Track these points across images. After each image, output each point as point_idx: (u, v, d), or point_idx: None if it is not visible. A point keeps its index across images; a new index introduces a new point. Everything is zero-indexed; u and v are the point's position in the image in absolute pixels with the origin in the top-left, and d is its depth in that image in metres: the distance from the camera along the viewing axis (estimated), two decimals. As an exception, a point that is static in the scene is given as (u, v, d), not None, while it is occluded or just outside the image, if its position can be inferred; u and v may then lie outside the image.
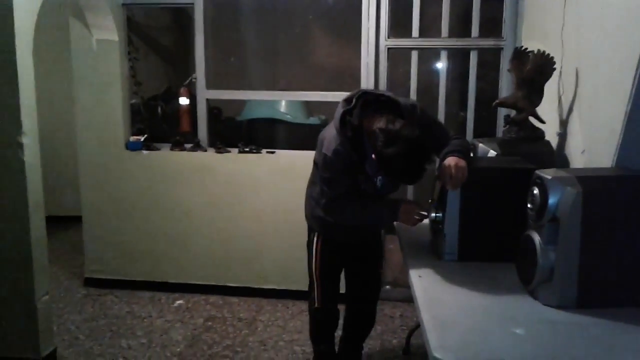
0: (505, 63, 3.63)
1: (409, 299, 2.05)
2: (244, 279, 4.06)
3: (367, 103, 2.24)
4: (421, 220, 2.29)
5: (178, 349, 3.34)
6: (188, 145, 4.07)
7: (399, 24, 3.89)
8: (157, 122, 4.49)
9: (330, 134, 2.31)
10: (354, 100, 2.26)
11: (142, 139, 4.10)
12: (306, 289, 2.77)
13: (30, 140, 2.94)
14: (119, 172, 4.09)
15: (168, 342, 3.43)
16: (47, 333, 3.14)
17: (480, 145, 2.79)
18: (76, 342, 3.43)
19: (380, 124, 2.09)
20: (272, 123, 4.48)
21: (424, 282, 1.97)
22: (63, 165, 5.38)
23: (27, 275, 3.01)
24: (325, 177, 2.34)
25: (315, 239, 2.63)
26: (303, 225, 2.75)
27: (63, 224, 5.29)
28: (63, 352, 3.30)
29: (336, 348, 2.85)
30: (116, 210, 4.13)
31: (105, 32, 3.96)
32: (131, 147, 4.07)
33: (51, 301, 3.21)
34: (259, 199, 3.96)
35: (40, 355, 3.09)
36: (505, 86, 3.66)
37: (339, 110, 2.29)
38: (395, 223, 2.52)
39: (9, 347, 3.08)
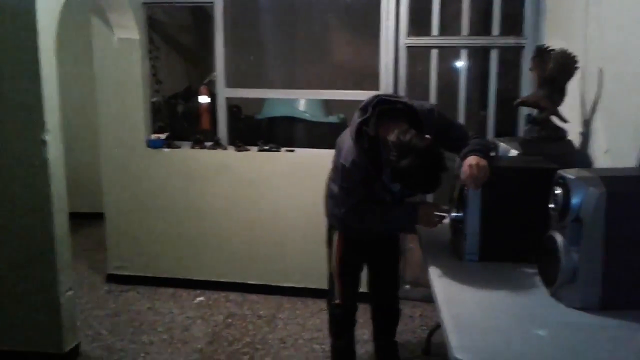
0: (526, 61, 3.60)
1: (429, 299, 2.05)
2: (263, 277, 4.09)
3: (383, 111, 2.23)
4: (441, 221, 2.29)
5: (199, 346, 3.37)
6: (208, 144, 4.11)
7: (419, 22, 3.87)
8: (177, 120, 4.53)
9: (347, 143, 2.32)
10: (369, 109, 2.26)
11: (163, 137, 4.14)
12: (325, 287, 2.80)
13: (53, 137, 2.99)
14: (140, 169, 4.14)
15: (189, 338, 3.47)
16: (70, 328, 3.19)
17: (502, 144, 2.77)
18: (99, 338, 3.49)
19: (392, 136, 2.09)
20: (291, 121, 4.49)
21: (445, 282, 1.97)
22: (85, 163, 5.45)
23: (51, 270, 3.06)
24: (344, 186, 2.37)
25: (335, 236, 2.65)
26: (322, 224, 2.76)
27: (85, 220, 5.36)
28: (86, 347, 3.35)
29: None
30: (138, 208, 4.18)
31: (127, 30, 4.00)
32: (152, 145, 4.12)
33: (74, 297, 3.26)
34: (279, 197, 3.99)
35: (64, 349, 3.14)
36: (527, 85, 3.63)
37: (355, 120, 2.29)
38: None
39: (33, 341, 3.14)
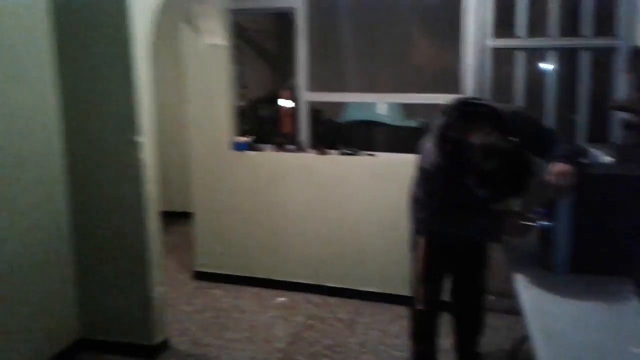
0: (619, 63, 3.43)
1: (515, 311, 2.01)
2: (343, 280, 4.11)
3: (465, 114, 2.20)
4: (528, 230, 2.23)
5: (281, 345, 3.45)
6: (290, 147, 4.20)
7: (504, 23, 3.77)
8: (260, 123, 4.65)
9: (430, 147, 2.30)
10: (452, 112, 2.24)
11: (248, 139, 4.27)
12: (405, 293, 2.79)
13: (147, 139, 3.14)
14: (226, 171, 4.28)
15: (271, 337, 3.55)
16: (160, 322, 3.34)
17: (594, 150, 2.67)
18: (186, 332, 3.63)
19: (476, 138, 2.06)
20: (372, 125, 4.50)
21: (533, 294, 1.92)
22: (173, 164, 5.68)
23: (144, 266, 3.22)
24: (427, 190, 2.36)
25: (420, 241, 2.64)
26: (404, 228, 2.75)
27: (171, 219, 5.57)
28: (174, 341, 3.50)
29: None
30: (224, 208, 4.32)
31: (215, 36, 4.14)
32: (237, 147, 4.25)
33: (164, 292, 3.40)
34: (359, 201, 4.00)
35: (154, 342, 3.30)
36: (620, 88, 3.45)
37: (437, 123, 2.27)
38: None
39: (125, 333, 3.31)
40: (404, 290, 2.80)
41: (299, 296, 4.12)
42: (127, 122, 3.08)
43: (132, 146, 3.10)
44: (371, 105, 4.53)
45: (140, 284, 3.25)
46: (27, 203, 2.97)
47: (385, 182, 3.88)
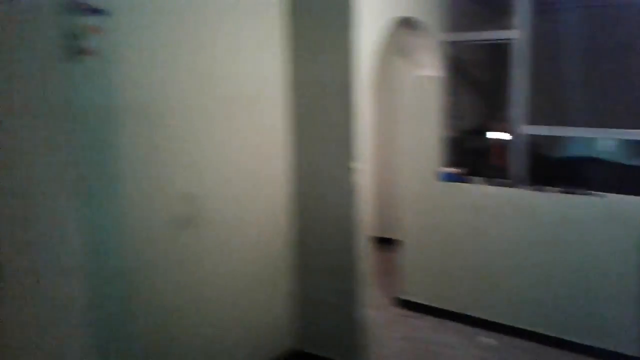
0: None
1: None
2: (559, 329, 3.80)
3: None
4: None
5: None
6: (502, 180, 4.05)
7: None
8: (471, 155, 4.57)
9: None
10: None
11: (457, 171, 4.23)
12: (628, 353, 2.48)
13: (362, 166, 3.30)
14: (434, 201, 4.28)
15: (473, 379, 3.46)
16: (363, 344, 3.45)
17: None
18: (385, 357, 3.67)
19: None
20: (595, 162, 4.16)
21: None
22: (380, 190, 5.83)
23: (352, 287, 3.38)
24: None
25: None
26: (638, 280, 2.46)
27: (376, 244, 5.68)
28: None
29: None
30: (432, 238, 4.31)
31: (428, 68, 4.22)
32: (446, 178, 4.23)
33: (369, 315, 3.49)
34: (583, 245, 3.67)
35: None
36: None
37: None
38: None
39: (330, 349, 3.52)
40: (626, 349, 2.49)
41: (506, 339, 3.91)
42: (345, 149, 3.29)
43: (349, 172, 3.29)
44: (594, 141, 4.21)
45: (348, 304, 3.41)
46: (259, 220, 3.30)
47: (616, 226, 3.50)
